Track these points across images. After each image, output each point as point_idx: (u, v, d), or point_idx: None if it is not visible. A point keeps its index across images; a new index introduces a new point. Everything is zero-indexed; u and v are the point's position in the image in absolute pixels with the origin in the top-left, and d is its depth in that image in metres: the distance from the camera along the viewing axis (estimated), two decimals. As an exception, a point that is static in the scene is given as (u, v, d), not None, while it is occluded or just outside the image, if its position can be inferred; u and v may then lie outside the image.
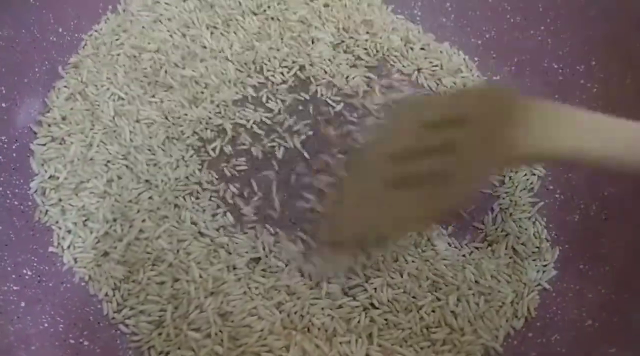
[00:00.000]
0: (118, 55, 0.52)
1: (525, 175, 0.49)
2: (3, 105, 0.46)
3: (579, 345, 0.39)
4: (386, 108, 0.51)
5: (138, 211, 0.45)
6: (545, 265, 0.45)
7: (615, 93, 0.47)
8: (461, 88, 0.52)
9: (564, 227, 0.46)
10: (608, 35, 0.48)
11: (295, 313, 0.41)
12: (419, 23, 0.57)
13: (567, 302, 0.42)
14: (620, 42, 0.47)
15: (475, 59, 0.55)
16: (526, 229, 0.46)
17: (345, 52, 0.54)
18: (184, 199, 0.46)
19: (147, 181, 0.47)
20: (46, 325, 0.41)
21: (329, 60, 0.53)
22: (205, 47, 0.53)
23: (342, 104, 0.51)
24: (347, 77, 0.53)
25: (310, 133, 0.50)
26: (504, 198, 0.48)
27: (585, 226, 0.45)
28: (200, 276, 0.42)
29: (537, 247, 0.45)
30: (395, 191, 0.37)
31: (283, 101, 0.51)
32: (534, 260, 0.45)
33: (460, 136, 0.35)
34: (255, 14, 0.55)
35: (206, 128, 0.49)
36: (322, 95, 0.52)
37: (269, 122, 0.50)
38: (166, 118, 0.49)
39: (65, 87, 0.50)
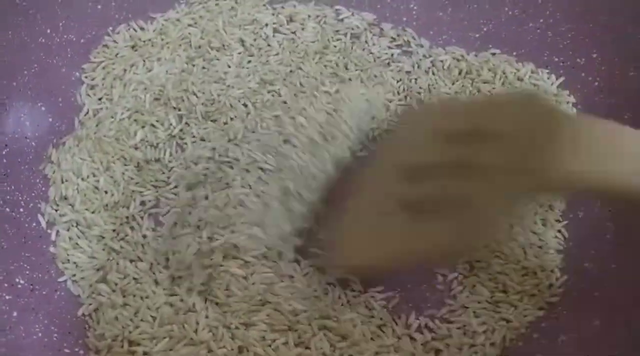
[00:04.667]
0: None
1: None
2: (-9, 109, 0.45)
3: (586, 345, 0.38)
4: (402, 112, 0.49)
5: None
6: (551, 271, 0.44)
7: (618, 87, 0.47)
8: (491, 93, 0.46)
9: (568, 224, 0.45)
10: (609, 27, 0.47)
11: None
12: (415, 17, 0.56)
13: (573, 302, 0.41)
14: (622, 33, 0.47)
15: (473, 53, 0.53)
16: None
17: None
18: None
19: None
20: (40, 334, 0.40)
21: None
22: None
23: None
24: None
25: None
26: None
27: (590, 223, 0.44)
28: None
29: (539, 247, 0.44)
30: (406, 216, 0.31)
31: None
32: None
33: (488, 153, 0.30)
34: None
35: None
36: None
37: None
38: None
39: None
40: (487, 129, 0.30)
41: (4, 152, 0.45)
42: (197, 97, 0.50)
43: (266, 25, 0.54)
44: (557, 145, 0.27)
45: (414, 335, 0.41)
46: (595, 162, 0.27)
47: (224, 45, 0.53)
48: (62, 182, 0.46)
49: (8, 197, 0.44)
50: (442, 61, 0.53)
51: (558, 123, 0.28)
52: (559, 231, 0.45)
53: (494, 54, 0.53)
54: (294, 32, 0.54)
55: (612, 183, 0.27)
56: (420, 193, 0.31)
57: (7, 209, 0.44)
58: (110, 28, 0.53)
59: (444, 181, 0.30)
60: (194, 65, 0.52)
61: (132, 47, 0.53)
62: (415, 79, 0.52)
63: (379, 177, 0.35)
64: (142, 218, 0.46)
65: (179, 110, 0.49)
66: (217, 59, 0.52)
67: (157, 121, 0.49)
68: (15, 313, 0.40)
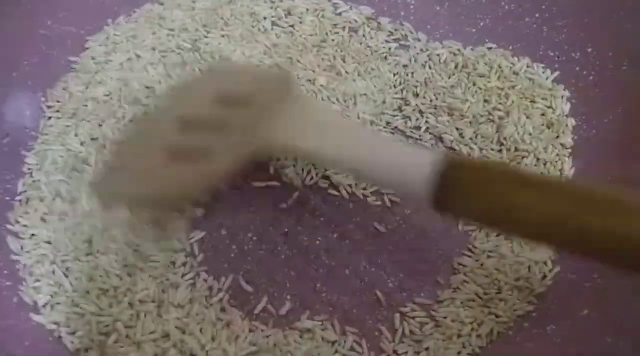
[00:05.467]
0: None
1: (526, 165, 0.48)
2: (-8, 99, 0.46)
3: (575, 334, 0.38)
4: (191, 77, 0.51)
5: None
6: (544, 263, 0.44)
7: (611, 80, 0.47)
8: (260, 66, 0.52)
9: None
10: (604, 21, 0.48)
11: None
12: (412, 12, 0.56)
13: (563, 293, 0.42)
14: (616, 28, 0.47)
15: (470, 47, 0.54)
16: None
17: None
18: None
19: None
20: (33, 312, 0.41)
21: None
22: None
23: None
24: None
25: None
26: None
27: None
28: None
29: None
30: (169, 159, 0.37)
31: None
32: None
33: (235, 117, 0.37)
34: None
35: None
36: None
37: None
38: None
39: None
40: (244, 97, 0.38)
41: (4, 141, 0.46)
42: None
43: (264, 18, 0.54)
44: (278, 116, 0.36)
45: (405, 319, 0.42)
46: (295, 135, 0.36)
47: (222, 36, 0.53)
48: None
49: (8, 186, 0.45)
50: (438, 55, 0.53)
51: (287, 99, 0.37)
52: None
53: (490, 48, 0.54)
54: (292, 26, 0.55)
55: (302, 151, 0.36)
56: (181, 140, 0.37)
57: (7, 197, 0.45)
58: (110, 19, 0.54)
59: (199, 134, 0.37)
60: (193, 55, 0.52)
61: (131, 37, 0.53)
62: (412, 73, 0.53)
63: (157, 122, 0.41)
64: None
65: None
66: (216, 51, 0.52)
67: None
68: (15, 300, 0.41)
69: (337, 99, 0.50)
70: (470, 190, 0.31)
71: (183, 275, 0.43)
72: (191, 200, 0.43)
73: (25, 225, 0.44)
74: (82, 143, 0.47)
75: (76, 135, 0.47)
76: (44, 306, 0.41)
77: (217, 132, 0.37)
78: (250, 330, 0.41)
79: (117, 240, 0.43)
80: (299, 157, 0.38)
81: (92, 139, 0.47)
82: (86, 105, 0.49)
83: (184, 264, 0.43)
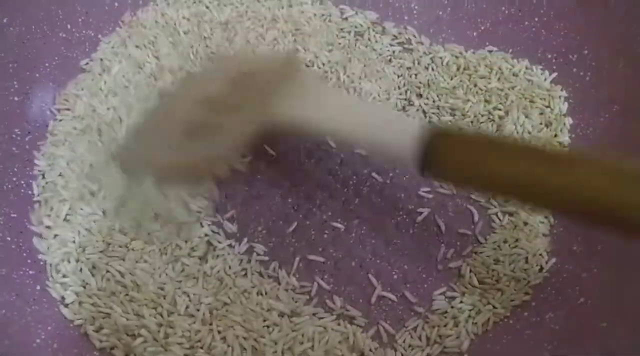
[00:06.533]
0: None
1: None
2: (16, 98, 0.48)
3: (572, 321, 0.40)
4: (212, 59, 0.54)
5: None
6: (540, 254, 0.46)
7: (607, 80, 0.49)
8: (274, 52, 0.55)
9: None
10: (600, 23, 0.49)
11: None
12: (416, 16, 0.58)
13: (561, 283, 0.43)
14: (611, 29, 0.49)
15: (471, 50, 0.56)
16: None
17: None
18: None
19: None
20: (60, 304, 0.42)
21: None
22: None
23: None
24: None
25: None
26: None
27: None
28: None
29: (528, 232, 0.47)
30: (189, 134, 0.40)
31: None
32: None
33: (244, 93, 0.40)
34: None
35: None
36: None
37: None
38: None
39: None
40: (254, 77, 0.41)
41: (27, 139, 0.48)
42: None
43: (275, 21, 0.57)
44: (281, 94, 0.40)
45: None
46: (298, 110, 0.39)
47: (231, 35, 0.55)
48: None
49: (31, 181, 0.47)
50: (441, 58, 0.56)
51: (292, 80, 0.40)
52: (546, 217, 0.47)
53: (490, 51, 0.56)
54: (298, 29, 0.57)
55: (306, 126, 0.39)
56: (199, 118, 0.41)
57: (29, 192, 0.47)
58: (121, 22, 0.56)
59: (215, 113, 0.40)
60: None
61: (141, 37, 0.55)
62: (416, 74, 0.55)
63: (178, 102, 0.45)
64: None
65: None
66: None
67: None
68: (38, 287, 0.43)
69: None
70: (453, 156, 0.35)
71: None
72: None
73: (48, 227, 0.45)
74: (89, 142, 0.49)
75: (84, 133, 0.49)
76: (71, 303, 0.42)
77: (231, 110, 0.40)
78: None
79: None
80: (297, 127, 0.40)
81: (100, 139, 0.49)
82: (94, 107, 0.51)
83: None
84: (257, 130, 0.40)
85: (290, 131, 0.42)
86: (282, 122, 0.40)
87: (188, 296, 0.43)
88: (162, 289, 0.43)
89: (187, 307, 0.42)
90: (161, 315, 0.42)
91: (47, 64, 0.51)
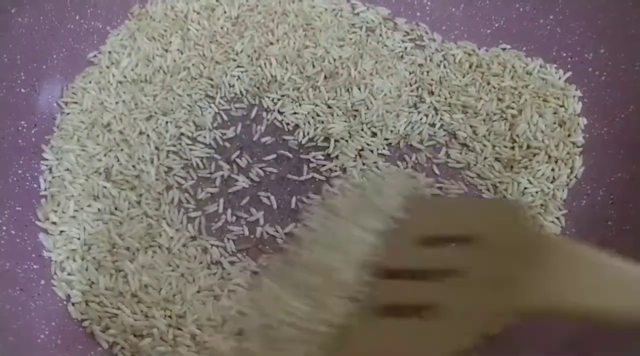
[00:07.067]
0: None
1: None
2: (22, 91, 0.47)
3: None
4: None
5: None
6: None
7: (623, 81, 0.48)
8: (476, 199, 0.44)
9: (571, 211, 0.47)
10: (616, 22, 0.49)
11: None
12: (428, 13, 0.57)
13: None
14: (628, 29, 0.48)
15: (484, 47, 0.55)
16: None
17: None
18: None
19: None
20: (65, 302, 0.42)
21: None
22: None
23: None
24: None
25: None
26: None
27: (592, 210, 0.46)
28: None
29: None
30: (385, 318, 0.31)
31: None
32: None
33: (466, 262, 0.30)
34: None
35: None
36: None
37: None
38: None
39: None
40: (467, 236, 0.31)
41: (33, 131, 0.47)
42: (212, 86, 0.52)
43: (286, 15, 0.56)
44: (537, 264, 0.28)
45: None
46: (575, 292, 0.27)
47: (241, 29, 0.55)
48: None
49: (36, 174, 0.47)
50: (453, 55, 0.55)
51: (540, 242, 0.29)
52: (557, 218, 0.47)
53: (504, 49, 0.55)
54: (309, 24, 0.56)
55: (589, 310, 0.27)
56: (397, 297, 0.31)
57: (35, 185, 0.46)
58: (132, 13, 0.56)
59: (423, 286, 0.30)
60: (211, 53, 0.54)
61: (150, 31, 0.55)
62: (427, 71, 0.54)
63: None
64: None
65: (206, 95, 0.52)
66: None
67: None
68: (42, 282, 0.42)
69: (355, 96, 0.51)
70: None
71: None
72: None
73: (54, 222, 0.45)
74: (97, 136, 0.48)
75: (92, 127, 0.49)
76: (77, 303, 0.42)
77: (449, 283, 0.30)
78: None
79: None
80: (579, 318, 0.28)
81: (107, 134, 0.49)
82: (102, 100, 0.50)
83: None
84: (505, 316, 0.29)
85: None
86: (554, 309, 0.28)
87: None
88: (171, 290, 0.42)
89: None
90: (170, 317, 0.41)
91: (54, 56, 0.50)
